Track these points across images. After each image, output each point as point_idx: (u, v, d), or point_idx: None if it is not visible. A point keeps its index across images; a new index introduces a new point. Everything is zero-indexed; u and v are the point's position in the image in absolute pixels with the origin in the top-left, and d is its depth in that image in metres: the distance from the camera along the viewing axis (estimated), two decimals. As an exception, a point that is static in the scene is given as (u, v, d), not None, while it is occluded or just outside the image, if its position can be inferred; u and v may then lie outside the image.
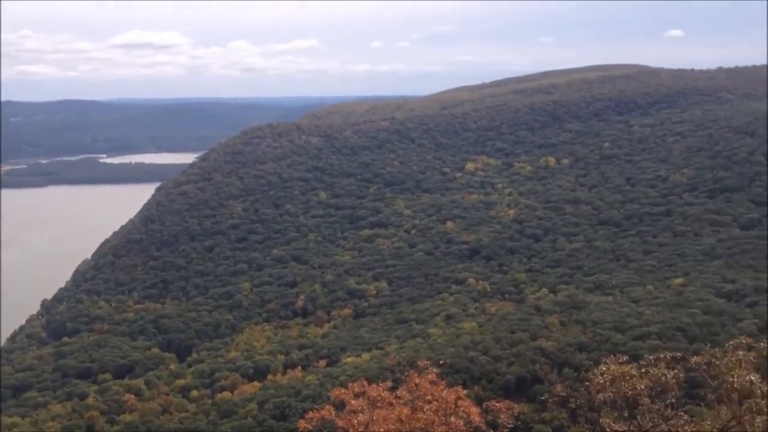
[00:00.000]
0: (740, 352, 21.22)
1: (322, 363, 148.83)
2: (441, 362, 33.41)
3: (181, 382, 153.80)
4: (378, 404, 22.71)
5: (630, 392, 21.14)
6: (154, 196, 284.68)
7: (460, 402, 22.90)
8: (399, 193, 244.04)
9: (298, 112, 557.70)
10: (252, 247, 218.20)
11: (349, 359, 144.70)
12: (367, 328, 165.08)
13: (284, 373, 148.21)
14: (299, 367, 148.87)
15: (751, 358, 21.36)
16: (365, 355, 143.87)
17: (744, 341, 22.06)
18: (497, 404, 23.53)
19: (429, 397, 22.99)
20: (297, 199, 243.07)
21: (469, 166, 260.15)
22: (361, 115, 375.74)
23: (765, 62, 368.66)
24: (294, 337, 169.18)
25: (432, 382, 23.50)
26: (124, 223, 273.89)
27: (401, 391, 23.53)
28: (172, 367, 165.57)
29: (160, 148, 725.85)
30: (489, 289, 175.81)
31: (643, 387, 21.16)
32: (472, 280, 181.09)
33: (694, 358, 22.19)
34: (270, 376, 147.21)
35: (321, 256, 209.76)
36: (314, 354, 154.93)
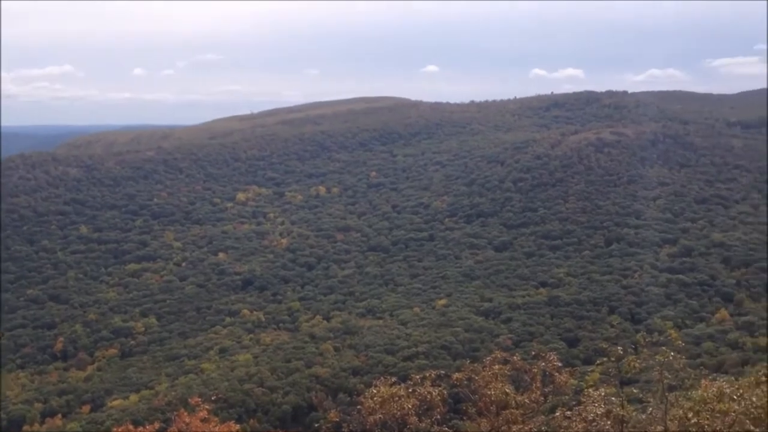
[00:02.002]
0: (496, 366, 22.70)
1: (86, 409, 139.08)
2: (214, 398, 32.56)
3: None
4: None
5: (399, 412, 21.85)
6: None
7: (232, 437, 22.39)
8: (167, 225, 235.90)
9: (53, 142, 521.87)
10: (3, 287, 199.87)
11: (115, 402, 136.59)
12: (135, 368, 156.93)
13: (42, 422, 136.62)
14: (59, 415, 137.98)
15: (506, 371, 22.92)
16: (133, 397, 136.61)
17: (499, 355, 23.64)
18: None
19: (200, 436, 22.25)
20: (54, 234, 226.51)
21: (240, 196, 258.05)
22: (124, 145, 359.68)
23: (511, 97, 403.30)
24: (53, 383, 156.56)
25: (203, 420, 22.80)
26: None
27: (170, 432, 22.59)
28: None
29: None
30: (263, 319, 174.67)
31: (410, 406, 21.95)
32: (246, 311, 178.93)
33: (456, 375, 23.44)
34: (26, 427, 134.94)
35: (83, 294, 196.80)
36: (76, 399, 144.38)
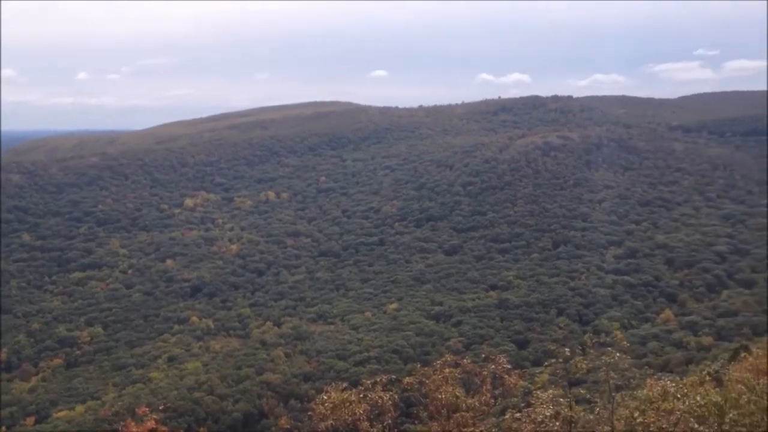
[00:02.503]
0: (447, 370, 22.81)
1: (30, 420, 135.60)
2: (162, 407, 32.03)
3: None
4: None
5: (350, 418, 21.80)
6: None
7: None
8: (113, 232, 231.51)
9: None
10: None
11: (61, 413, 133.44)
12: (81, 378, 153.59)
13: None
14: (3, 428, 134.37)
15: (457, 374, 23.04)
16: (79, 408, 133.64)
17: (450, 359, 23.75)
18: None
19: (148, 446, 21.88)
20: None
21: (188, 201, 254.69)
22: (68, 151, 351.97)
23: (459, 102, 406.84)
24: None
25: (151, 430, 22.43)
26: None
27: (117, 443, 22.13)
28: None
29: None
30: (213, 327, 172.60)
31: (362, 411, 21.93)
32: (195, 319, 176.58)
33: (407, 379, 23.49)
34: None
35: (26, 304, 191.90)
36: (20, 411, 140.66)
